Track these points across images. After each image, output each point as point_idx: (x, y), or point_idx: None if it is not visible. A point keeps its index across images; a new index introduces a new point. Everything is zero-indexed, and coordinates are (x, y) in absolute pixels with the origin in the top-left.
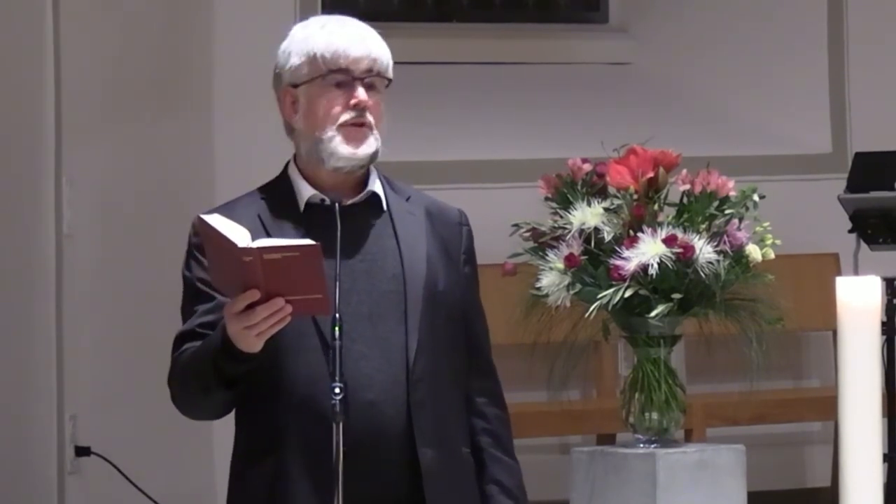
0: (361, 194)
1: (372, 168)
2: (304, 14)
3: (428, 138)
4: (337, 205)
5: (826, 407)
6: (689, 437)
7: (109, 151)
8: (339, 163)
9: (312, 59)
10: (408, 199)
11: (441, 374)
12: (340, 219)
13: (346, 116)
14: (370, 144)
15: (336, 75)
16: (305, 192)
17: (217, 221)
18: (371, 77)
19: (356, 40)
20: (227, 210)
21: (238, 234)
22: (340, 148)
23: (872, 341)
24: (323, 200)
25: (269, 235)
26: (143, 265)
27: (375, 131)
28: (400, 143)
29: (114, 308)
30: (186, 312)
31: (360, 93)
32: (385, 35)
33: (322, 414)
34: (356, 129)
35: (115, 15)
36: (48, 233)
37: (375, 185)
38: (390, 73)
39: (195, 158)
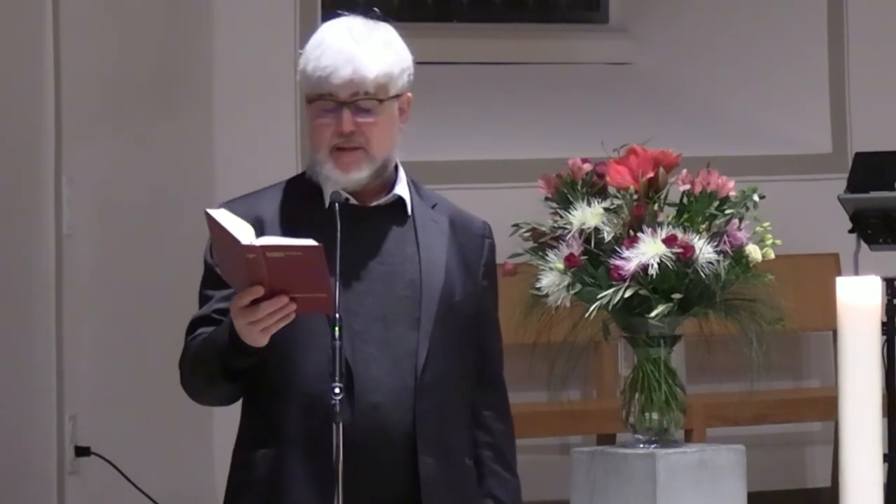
0: (386, 197)
1: (400, 170)
2: (304, 14)
3: (428, 138)
4: (337, 204)
5: (826, 407)
6: (689, 438)
7: (109, 151)
8: (336, 186)
9: (305, 82)
10: (434, 207)
11: (449, 383)
12: (361, 220)
13: (335, 142)
14: (361, 169)
15: (322, 102)
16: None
17: (222, 217)
18: (359, 99)
19: (342, 63)
20: (251, 200)
21: (242, 231)
22: (333, 173)
23: (872, 341)
24: (347, 200)
25: (290, 229)
26: (143, 265)
27: (371, 152)
28: (399, 144)
29: (114, 308)
30: (203, 297)
31: (345, 120)
32: None
33: (325, 412)
34: (347, 154)
35: (115, 15)
36: (48, 233)
37: (402, 190)
38: (389, 90)
39: (195, 158)
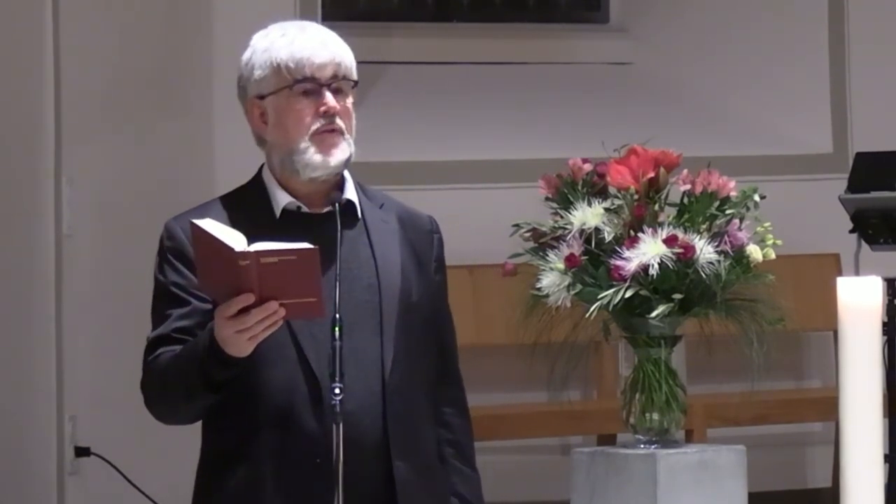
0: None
1: (346, 175)
2: (304, 14)
3: (428, 138)
4: (337, 205)
5: (827, 407)
6: (689, 438)
7: (109, 151)
8: (316, 172)
9: (277, 70)
10: (381, 207)
11: (415, 385)
12: (313, 228)
13: (316, 125)
14: (343, 150)
15: (303, 84)
16: (282, 199)
17: (210, 225)
18: (338, 82)
19: (319, 46)
20: (199, 213)
21: (233, 238)
22: (314, 158)
23: (873, 342)
24: (299, 208)
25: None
26: (143, 265)
27: (347, 135)
28: (399, 143)
29: (114, 308)
30: (158, 316)
31: (329, 99)
32: (385, 35)
33: (300, 422)
34: (328, 136)
35: (115, 15)
36: (48, 233)
37: (350, 193)
38: (355, 75)
39: (195, 159)
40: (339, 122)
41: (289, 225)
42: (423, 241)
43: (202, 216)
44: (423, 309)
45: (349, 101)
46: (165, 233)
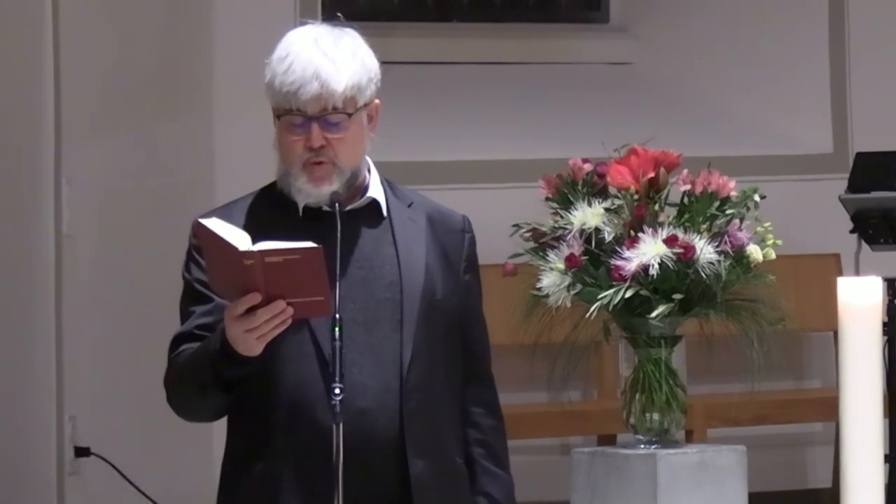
0: (360, 200)
1: (374, 172)
2: (304, 14)
3: (428, 138)
4: (337, 205)
5: (827, 407)
6: (689, 438)
7: (109, 151)
8: (308, 199)
9: (272, 95)
10: (410, 205)
11: (436, 383)
12: (334, 225)
13: (305, 157)
14: (332, 183)
15: (291, 117)
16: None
17: (216, 225)
18: (327, 114)
19: (308, 78)
20: (224, 212)
21: (238, 238)
22: (305, 187)
23: (874, 342)
24: (320, 206)
25: (265, 239)
26: (143, 265)
27: (340, 166)
28: (400, 144)
29: (114, 308)
30: (185, 314)
31: (314, 135)
32: (385, 35)
33: (314, 419)
34: (318, 168)
35: (114, 15)
36: (48, 233)
37: (375, 192)
38: (357, 102)
39: (195, 158)
40: (327, 154)
41: (310, 223)
42: (453, 240)
43: (228, 214)
44: (448, 308)
45: (343, 131)
46: (191, 231)
